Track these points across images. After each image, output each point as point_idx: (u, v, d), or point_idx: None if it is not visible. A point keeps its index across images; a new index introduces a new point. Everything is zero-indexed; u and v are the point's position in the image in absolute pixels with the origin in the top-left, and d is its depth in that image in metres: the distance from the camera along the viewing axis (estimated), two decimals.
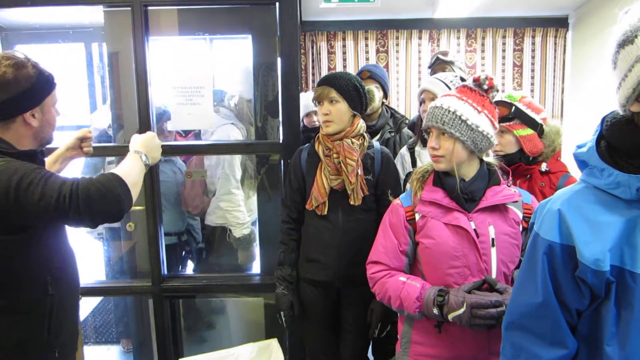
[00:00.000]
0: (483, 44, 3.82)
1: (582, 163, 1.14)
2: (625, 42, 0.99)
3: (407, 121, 2.91)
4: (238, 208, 3.04)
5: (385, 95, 2.93)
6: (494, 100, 1.74)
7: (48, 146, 1.69)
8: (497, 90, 1.74)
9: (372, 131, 2.82)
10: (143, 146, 1.76)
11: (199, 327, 3.30)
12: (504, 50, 3.82)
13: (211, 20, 2.86)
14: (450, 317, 1.58)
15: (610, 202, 1.06)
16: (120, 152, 2.73)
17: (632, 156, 1.04)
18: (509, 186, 1.74)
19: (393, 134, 2.79)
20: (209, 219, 3.17)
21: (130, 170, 1.60)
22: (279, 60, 2.53)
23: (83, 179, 1.44)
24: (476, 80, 1.71)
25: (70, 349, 1.72)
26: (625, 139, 1.05)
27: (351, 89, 2.13)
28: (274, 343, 2.42)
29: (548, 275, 1.10)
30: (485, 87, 1.70)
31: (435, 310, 1.60)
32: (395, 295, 1.70)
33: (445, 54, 3.04)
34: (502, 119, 1.99)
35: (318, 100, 2.16)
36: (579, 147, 1.16)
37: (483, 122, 1.65)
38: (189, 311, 3.31)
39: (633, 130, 1.04)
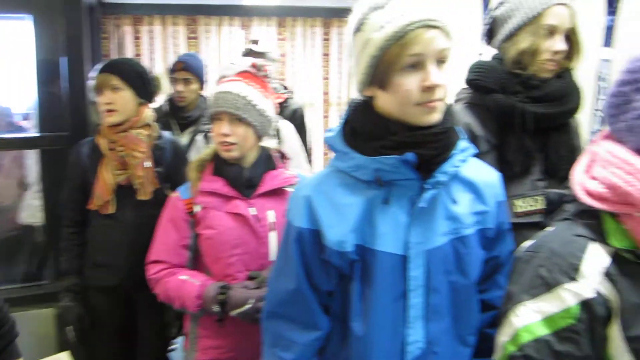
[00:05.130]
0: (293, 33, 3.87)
1: (332, 147, 1.16)
2: (356, 30, 1.03)
3: None
4: None
5: (202, 86, 2.76)
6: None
7: None
8: (269, 77, 1.74)
9: (187, 122, 2.69)
10: None
11: None
12: (313, 39, 3.91)
13: None
14: (234, 313, 1.54)
15: (352, 184, 1.08)
16: None
17: (371, 139, 1.06)
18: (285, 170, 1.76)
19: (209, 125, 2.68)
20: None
21: None
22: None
23: None
24: (254, 66, 1.70)
25: None
26: (365, 122, 1.08)
27: (135, 76, 1.98)
28: (62, 357, 2.18)
29: (299, 261, 1.10)
30: (262, 73, 1.70)
31: (216, 308, 1.55)
32: (176, 295, 1.62)
33: (257, 42, 2.97)
34: None
35: (99, 89, 1.96)
36: (328, 131, 1.17)
37: (269, 106, 1.66)
38: None
39: (370, 113, 1.07)
